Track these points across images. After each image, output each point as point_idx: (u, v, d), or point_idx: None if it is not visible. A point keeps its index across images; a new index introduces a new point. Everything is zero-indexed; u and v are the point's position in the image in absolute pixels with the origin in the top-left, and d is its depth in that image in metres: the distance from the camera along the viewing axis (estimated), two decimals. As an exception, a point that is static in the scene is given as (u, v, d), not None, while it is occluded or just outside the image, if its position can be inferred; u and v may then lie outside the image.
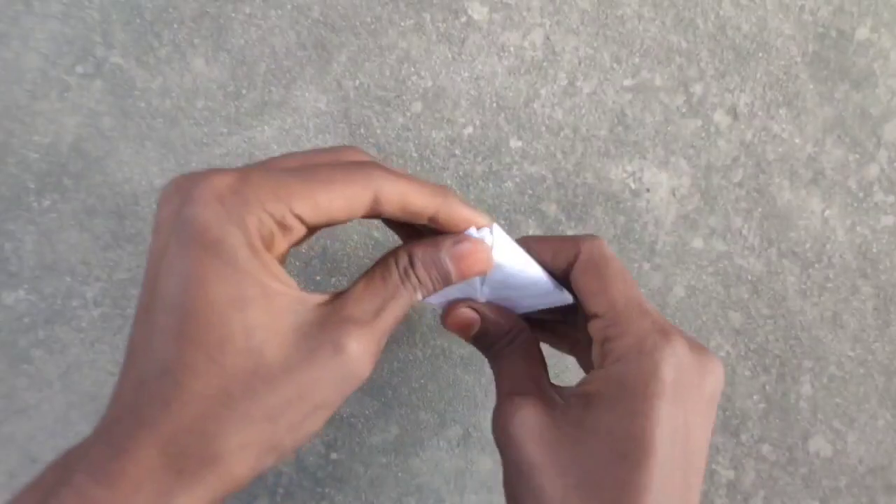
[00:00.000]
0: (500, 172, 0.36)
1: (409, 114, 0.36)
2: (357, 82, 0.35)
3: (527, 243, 0.27)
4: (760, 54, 0.36)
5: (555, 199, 0.36)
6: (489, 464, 0.37)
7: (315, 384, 0.21)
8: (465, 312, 0.27)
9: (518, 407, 0.24)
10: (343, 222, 0.22)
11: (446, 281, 0.24)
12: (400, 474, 0.37)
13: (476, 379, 0.37)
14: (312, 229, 0.22)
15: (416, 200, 0.23)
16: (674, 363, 0.23)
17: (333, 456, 0.37)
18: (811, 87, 0.37)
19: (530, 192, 0.36)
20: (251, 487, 0.36)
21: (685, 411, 0.23)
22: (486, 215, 0.24)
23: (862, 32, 0.37)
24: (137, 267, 0.35)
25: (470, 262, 0.24)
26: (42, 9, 0.34)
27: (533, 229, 0.36)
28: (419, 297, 0.24)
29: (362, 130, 0.36)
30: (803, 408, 0.38)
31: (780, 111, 0.37)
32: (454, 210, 0.23)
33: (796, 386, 0.38)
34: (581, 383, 0.24)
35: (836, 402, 0.38)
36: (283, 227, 0.21)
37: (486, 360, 0.36)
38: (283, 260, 0.23)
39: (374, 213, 0.23)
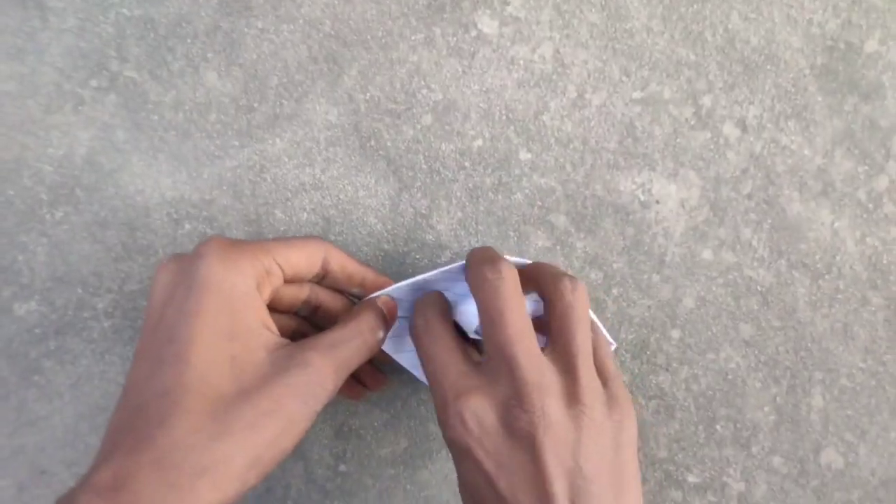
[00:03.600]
0: (510, 184, 0.36)
1: (419, 126, 0.36)
2: (368, 95, 0.36)
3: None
4: (769, 67, 0.37)
5: (564, 210, 0.36)
6: (499, 476, 0.37)
7: (285, 396, 0.25)
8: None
9: (468, 402, 0.27)
10: (305, 277, 0.29)
11: (390, 326, 0.31)
12: (409, 486, 0.37)
13: (486, 391, 0.37)
14: (287, 279, 0.28)
15: (351, 266, 0.30)
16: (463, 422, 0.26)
17: (342, 468, 0.37)
18: (820, 99, 0.37)
19: (539, 203, 0.36)
20: (260, 501, 0.36)
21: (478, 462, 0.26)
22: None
23: (870, 45, 0.37)
24: (149, 279, 0.35)
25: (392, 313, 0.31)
26: (58, 24, 0.35)
27: (542, 241, 0.36)
28: (379, 336, 0.29)
29: (372, 143, 0.36)
30: (814, 420, 0.37)
31: (789, 123, 0.37)
32: (378, 278, 0.31)
33: (807, 398, 0.37)
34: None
35: (847, 414, 0.37)
36: (269, 274, 0.27)
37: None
38: (267, 303, 0.28)
39: (324, 274, 0.30)
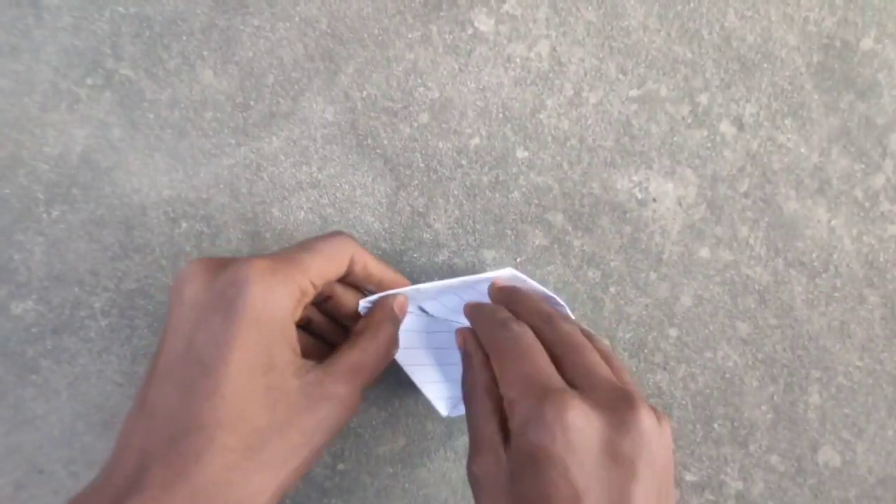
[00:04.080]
0: (507, 182, 0.36)
1: (416, 125, 0.36)
2: (364, 93, 0.36)
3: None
4: (765, 65, 0.37)
5: (561, 209, 0.36)
6: (496, 474, 0.37)
7: (315, 430, 0.25)
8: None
9: (483, 461, 0.26)
10: (330, 282, 0.29)
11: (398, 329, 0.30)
12: (407, 485, 0.37)
13: (483, 389, 0.37)
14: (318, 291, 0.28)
15: (372, 265, 0.30)
16: (557, 434, 0.23)
17: (340, 467, 0.37)
18: (816, 97, 0.37)
19: (536, 202, 0.36)
20: None
21: (587, 480, 0.22)
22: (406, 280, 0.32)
23: (866, 43, 0.37)
24: (146, 277, 0.35)
25: (403, 310, 0.31)
26: (53, 22, 0.35)
27: (539, 239, 0.36)
28: (394, 351, 0.29)
29: (369, 141, 0.36)
30: (812, 418, 0.37)
31: (786, 121, 0.37)
32: (396, 276, 0.31)
33: (804, 396, 0.37)
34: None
35: (844, 413, 0.38)
36: (304, 295, 0.26)
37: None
38: (298, 320, 0.28)
39: (346, 273, 0.29)
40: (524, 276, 0.30)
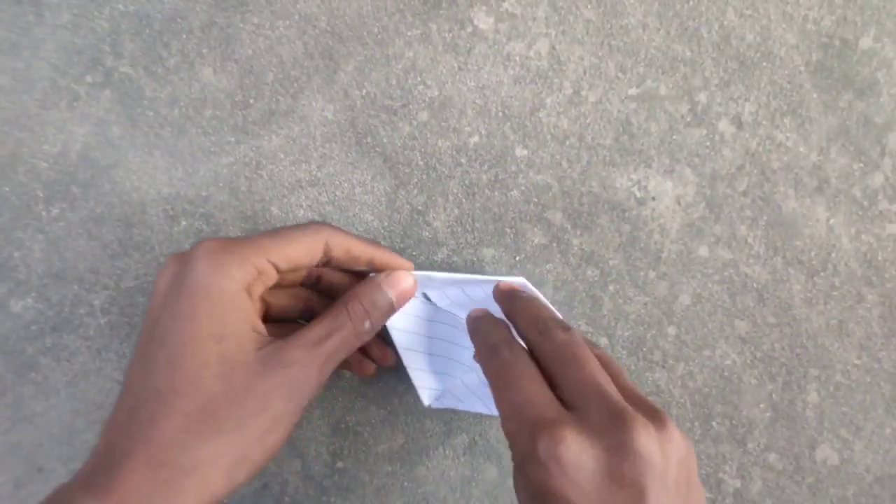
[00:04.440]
0: (506, 181, 0.36)
1: (415, 123, 0.36)
2: (364, 92, 0.36)
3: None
4: (764, 63, 0.37)
5: (560, 207, 0.37)
6: (495, 472, 0.37)
7: (271, 395, 0.25)
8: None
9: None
10: (307, 267, 0.29)
11: (390, 308, 0.30)
12: (406, 483, 0.37)
13: (482, 387, 0.37)
14: (283, 274, 0.28)
15: (356, 248, 0.30)
16: (556, 469, 0.22)
17: (339, 465, 0.37)
18: (815, 96, 0.37)
19: (536, 200, 0.36)
20: (257, 497, 0.36)
21: None
22: (408, 262, 0.31)
23: (865, 42, 0.37)
24: (145, 275, 0.35)
25: (403, 289, 0.30)
26: (52, 19, 0.34)
27: (538, 238, 0.36)
28: (366, 326, 0.29)
29: (369, 139, 0.36)
30: (810, 416, 0.37)
31: (785, 120, 0.37)
32: (386, 255, 0.30)
33: (803, 394, 0.37)
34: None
35: (842, 411, 0.38)
36: (261, 274, 0.27)
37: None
38: (260, 300, 0.29)
39: (326, 259, 0.29)
40: (534, 288, 0.30)
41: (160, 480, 0.23)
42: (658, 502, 0.22)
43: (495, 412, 0.29)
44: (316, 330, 0.28)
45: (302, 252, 0.28)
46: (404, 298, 0.30)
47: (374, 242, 0.31)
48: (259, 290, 0.28)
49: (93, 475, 0.24)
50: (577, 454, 0.22)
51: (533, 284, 0.36)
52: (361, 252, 0.30)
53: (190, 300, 0.26)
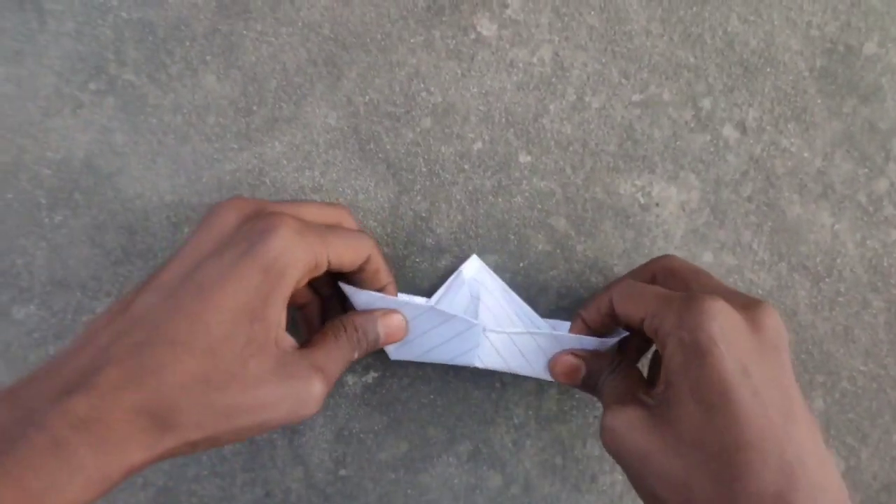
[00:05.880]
0: (510, 187, 0.36)
1: (418, 129, 0.36)
2: (367, 98, 0.36)
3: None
4: (768, 69, 0.37)
5: (564, 213, 0.36)
6: (499, 480, 0.37)
7: (277, 402, 0.25)
8: (569, 360, 0.32)
9: (620, 412, 0.27)
10: (343, 271, 0.29)
11: (375, 345, 0.31)
12: (409, 491, 0.37)
13: (486, 394, 0.37)
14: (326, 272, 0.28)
15: (383, 273, 0.31)
16: (711, 323, 0.25)
17: (342, 472, 0.36)
18: (819, 101, 0.37)
19: (539, 206, 0.36)
20: (260, 504, 0.36)
21: (746, 360, 0.24)
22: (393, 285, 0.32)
23: (869, 47, 0.37)
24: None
25: (393, 331, 0.31)
26: (56, 27, 0.35)
27: (542, 244, 0.36)
28: (356, 355, 0.30)
29: (372, 146, 0.36)
30: (816, 423, 0.37)
31: (789, 125, 0.37)
32: (392, 295, 0.32)
33: (808, 401, 0.37)
34: (658, 382, 0.27)
35: (848, 418, 0.37)
36: (316, 267, 0.27)
37: (495, 375, 0.36)
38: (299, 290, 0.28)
39: (360, 269, 0.30)
40: (488, 269, 0.34)
41: (140, 428, 0.22)
42: (790, 363, 0.25)
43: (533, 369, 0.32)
44: (328, 354, 0.28)
45: (352, 257, 0.28)
46: (392, 339, 0.31)
47: (391, 272, 0.32)
48: (304, 281, 0.27)
49: (74, 404, 0.22)
50: (727, 312, 0.25)
51: (535, 292, 0.36)
52: (385, 278, 0.31)
53: (249, 266, 0.24)
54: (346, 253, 0.28)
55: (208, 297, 0.24)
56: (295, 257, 0.25)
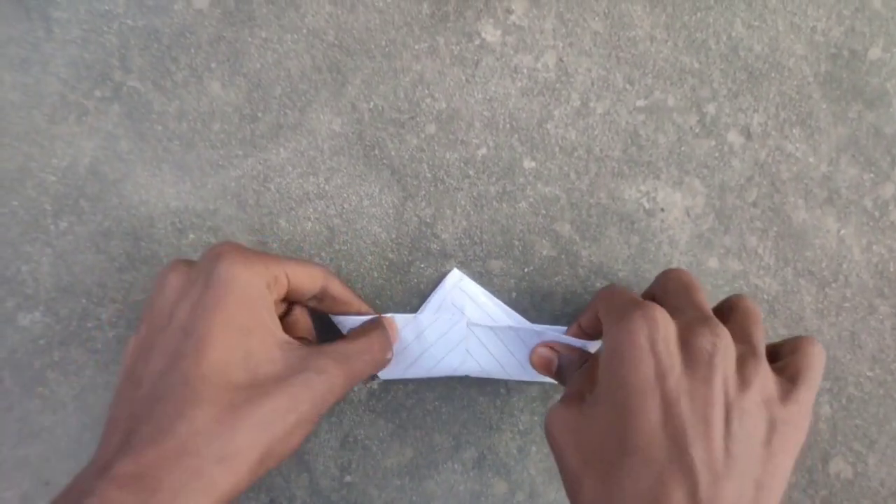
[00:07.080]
0: (514, 193, 0.36)
1: (423, 135, 0.36)
2: (371, 104, 0.36)
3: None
4: (773, 74, 0.37)
5: (569, 219, 0.36)
6: (504, 487, 0.37)
7: (300, 397, 0.26)
8: (544, 352, 0.33)
9: (560, 407, 0.28)
10: (299, 297, 0.30)
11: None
12: (414, 497, 0.36)
13: (491, 401, 0.37)
14: (289, 290, 0.29)
15: (347, 296, 0.32)
16: (639, 331, 0.25)
17: (347, 479, 0.36)
18: (824, 106, 0.37)
19: (544, 212, 0.36)
20: (264, 511, 0.36)
21: (665, 370, 0.24)
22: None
23: (874, 52, 0.37)
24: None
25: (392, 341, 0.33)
26: (62, 35, 0.35)
27: (547, 250, 0.36)
28: (388, 356, 0.32)
29: (376, 152, 0.36)
30: (822, 429, 0.37)
31: (794, 131, 0.37)
32: (365, 307, 0.33)
33: (815, 407, 0.37)
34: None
35: (855, 424, 0.37)
36: (276, 282, 0.28)
37: (500, 382, 0.36)
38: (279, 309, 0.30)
39: (321, 296, 0.31)
40: (469, 279, 0.35)
41: (191, 470, 0.23)
42: (716, 383, 0.24)
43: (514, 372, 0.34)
44: (344, 347, 0.29)
45: (306, 277, 0.30)
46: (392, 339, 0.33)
47: (360, 298, 0.33)
48: (274, 295, 0.28)
49: (120, 467, 0.23)
50: (661, 319, 0.25)
51: (540, 297, 0.36)
52: (352, 301, 0.32)
53: (218, 292, 0.26)
54: (299, 271, 0.29)
55: (196, 332, 0.25)
56: (250, 271, 0.27)
